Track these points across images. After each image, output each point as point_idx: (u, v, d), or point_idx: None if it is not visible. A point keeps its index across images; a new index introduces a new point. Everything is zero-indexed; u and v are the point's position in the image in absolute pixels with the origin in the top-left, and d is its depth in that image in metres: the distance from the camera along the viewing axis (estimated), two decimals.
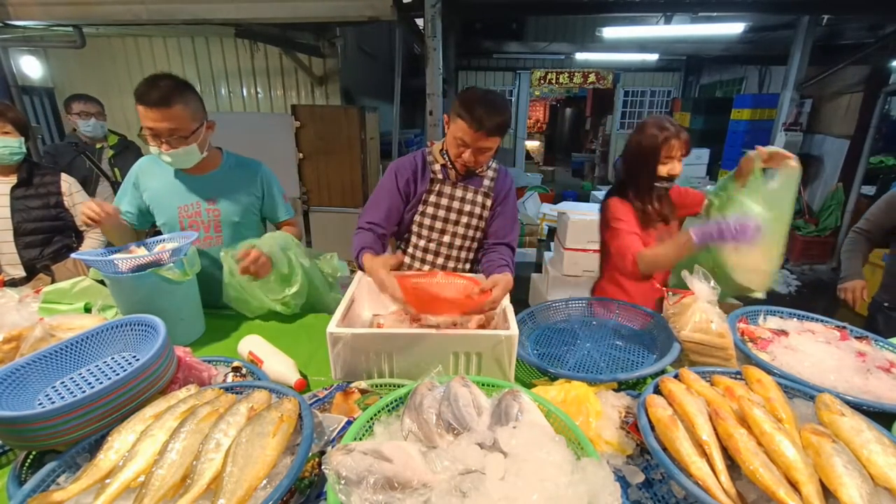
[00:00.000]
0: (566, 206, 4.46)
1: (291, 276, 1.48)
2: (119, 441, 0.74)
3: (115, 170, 2.89)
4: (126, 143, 3.01)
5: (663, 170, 1.50)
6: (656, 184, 1.53)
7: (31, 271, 1.99)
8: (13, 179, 1.92)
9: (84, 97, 2.77)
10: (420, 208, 1.54)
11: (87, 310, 1.42)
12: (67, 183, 2.04)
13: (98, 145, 2.85)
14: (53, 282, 1.83)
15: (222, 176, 1.60)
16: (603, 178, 9.97)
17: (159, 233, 1.58)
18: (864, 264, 2.02)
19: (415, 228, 1.58)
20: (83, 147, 2.79)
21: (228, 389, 0.90)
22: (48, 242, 2.02)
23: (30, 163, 1.98)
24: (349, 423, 0.88)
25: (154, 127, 1.37)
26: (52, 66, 5.50)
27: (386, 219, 1.52)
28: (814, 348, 1.14)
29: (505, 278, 1.23)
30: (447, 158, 1.47)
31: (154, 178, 1.57)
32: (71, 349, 0.93)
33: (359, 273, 1.42)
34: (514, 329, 1.06)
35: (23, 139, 1.89)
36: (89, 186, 2.73)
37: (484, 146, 1.37)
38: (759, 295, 1.34)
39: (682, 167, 1.52)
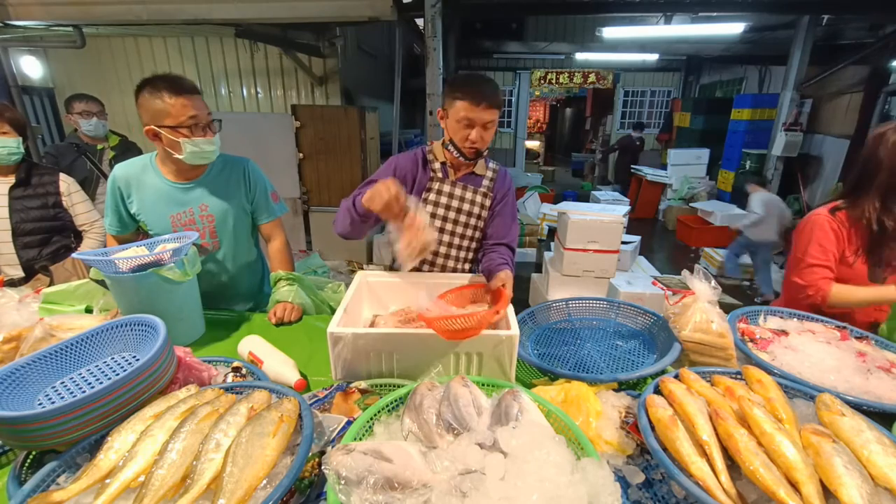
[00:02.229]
0: (566, 206, 4.46)
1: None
2: (119, 441, 0.74)
3: None
4: (127, 145, 3.00)
5: None
6: None
7: (30, 272, 1.98)
8: (11, 179, 1.92)
9: (85, 96, 2.77)
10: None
11: (89, 311, 1.42)
12: (66, 183, 2.03)
13: (99, 146, 2.85)
14: (52, 282, 1.83)
15: (212, 180, 1.57)
16: (603, 178, 9.98)
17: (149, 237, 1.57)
18: None
19: None
20: (84, 148, 2.78)
21: (228, 389, 0.90)
22: (46, 243, 2.02)
23: (28, 163, 1.97)
24: (349, 423, 0.88)
25: (197, 115, 1.39)
26: (52, 66, 5.50)
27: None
28: (814, 348, 1.14)
29: (507, 275, 1.25)
30: (454, 149, 1.45)
31: (140, 186, 1.52)
32: (71, 349, 0.93)
33: (359, 273, 1.42)
34: (514, 329, 1.06)
35: (20, 139, 1.88)
36: (89, 187, 2.73)
37: (487, 119, 1.38)
38: None
39: None
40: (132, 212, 1.55)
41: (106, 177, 2.83)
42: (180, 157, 1.41)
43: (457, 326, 1.01)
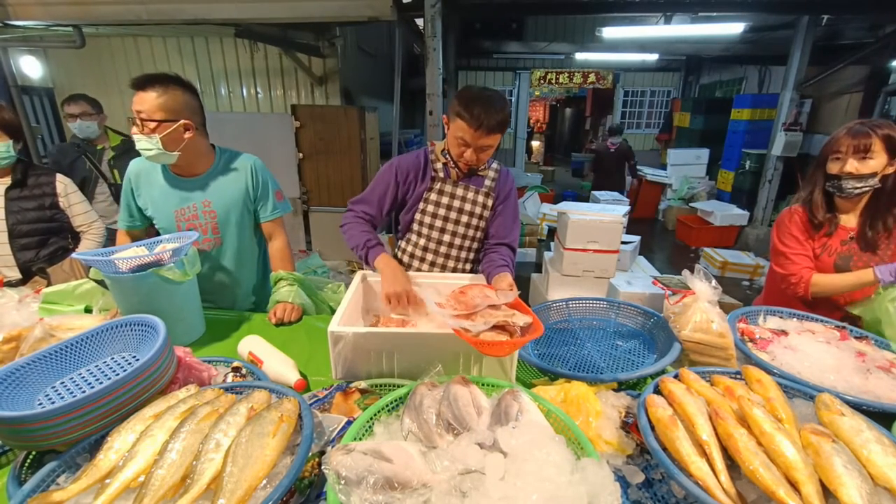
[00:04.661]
0: (566, 205, 4.46)
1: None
2: (119, 441, 0.74)
3: (115, 171, 2.88)
4: (128, 145, 2.98)
5: (833, 167, 1.41)
6: (826, 184, 1.45)
7: (27, 273, 1.97)
8: (8, 181, 1.90)
9: (73, 98, 2.74)
10: (421, 206, 1.55)
11: (88, 311, 1.42)
12: (63, 184, 2.01)
13: (100, 146, 2.84)
14: (49, 284, 1.82)
15: (216, 176, 1.59)
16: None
17: (159, 233, 1.59)
18: None
19: (415, 227, 1.59)
20: (85, 147, 2.78)
21: (228, 389, 0.90)
22: (44, 244, 2.00)
23: (25, 164, 1.95)
24: (349, 423, 0.88)
25: (141, 110, 1.40)
26: (51, 65, 5.49)
27: (380, 214, 1.56)
28: (813, 348, 1.14)
29: (507, 280, 1.25)
30: (449, 158, 1.48)
31: (148, 182, 1.58)
32: (71, 349, 0.93)
33: (359, 273, 1.42)
34: None
35: (11, 142, 1.84)
36: (88, 187, 2.73)
37: (485, 144, 1.38)
38: None
39: (869, 167, 1.36)
40: (140, 205, 1.60)
41: (104, 177, 2.83)
42: None
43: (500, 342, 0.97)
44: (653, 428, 0.80)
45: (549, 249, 4.01)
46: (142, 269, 1.24)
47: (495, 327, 1.02)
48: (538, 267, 4.44)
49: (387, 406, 0.88)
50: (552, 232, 4.79)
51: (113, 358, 0.97)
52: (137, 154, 1.78)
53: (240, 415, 0.77)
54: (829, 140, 1.44)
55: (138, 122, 1.41)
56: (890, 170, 1.38)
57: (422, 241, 1.59)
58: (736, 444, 0.72)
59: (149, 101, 1.40)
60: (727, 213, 5.96)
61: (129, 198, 1.61)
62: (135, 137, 1.43)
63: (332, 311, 1.61)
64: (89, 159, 2.78)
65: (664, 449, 0.76)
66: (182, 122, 1.44)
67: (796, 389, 0.93)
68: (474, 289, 1.20)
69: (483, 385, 0.94)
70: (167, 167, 1.56)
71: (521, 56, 9.13)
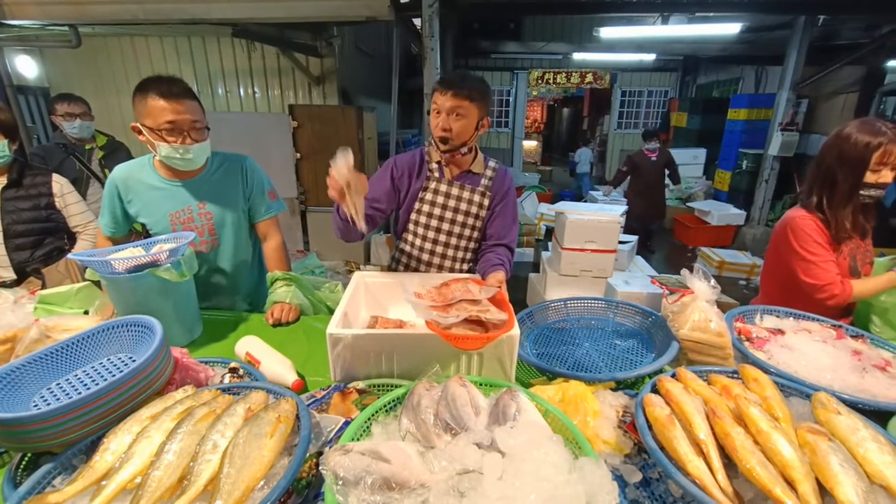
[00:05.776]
0: (564, 205, 4.45)
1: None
2: (115, 442, 0.74)
3: (106, 171, 2.86)
4: (115, 144, 2.96)
5: (872, 178, 1.37)
6: (862, 192, 1.39)
7: (22, 274, 1.95)
8: (3, 180, 1.88)
9: (68, 97, 2.71)
10: (416, 206, 1.55)
11: (86, 313, 1.41)
12: (59, 184, 1.99)
13: (87, 146, 2.82)
14: (44, 285, 1.81)
15: (210, 177, 1.58)
16: (600, 178, 9.99)
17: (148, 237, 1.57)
18: None
19: (411, 227, 1.59)
20: (72, 148, 2.75)
21: (225, 390, 0.90)
22: (39, 244, 1.99)
23: (20, 163, 1.93)
24: (347, 423, 0.88)
25: (177, 120, 1.38)
26: (47, 65, 5.47)
27: (372, 204, 1.50)
28: (810, 347, 1.14)
29: (497, 277, 1.26)
30: (433, 138, 1.49)
31: (139, 187, 1.53)
32: (67, 350, 0.93)
33: (356, 274, 1.41)
34: (515, 329, 1.05)
35: (7, 141, 1.82)
36: (80, 188, 2.70)
37: (453, 106, 1.39)
38: None
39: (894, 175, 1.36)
40: (131, 213, 1.56)
41: (97, 177, 2.81)
42: (157, 157, 1.46)
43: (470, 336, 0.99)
44: (650, 427, 0.80)
45: (546, 249, 4.01)
46: (138, 270, 1.24)
47: (469, 321, 1.03)
48: (536, 267, 4.45)
49: (385, 406, 0.88)
50: (550, 232, 4.80)
51: (109, 359, 0.97)
52: (125, 152, 1.75)
53: (237, 416, 0.77)
54: (860, 147, 1.35)
55: (186, 132, 1.40)
56: None
57: (418, 242, 1.59)
58: (733, 442, 0.72)
59: (197, 109, 1.42)
60: (724, 213, 5.98)
61: (114, 204, 1.55)
62: (175, 148, 1.40)
63: (330, 311, 1.61)
64: (79, 160, 2.75)
65: (661, 448, 0.76)
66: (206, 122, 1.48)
67: (793, 388, 0.93)
68: (458, 282, 1.20)
69: (481, 385, 0.94)
70: (158, 171, 1.53)
71: (519, 56, 9.15)
